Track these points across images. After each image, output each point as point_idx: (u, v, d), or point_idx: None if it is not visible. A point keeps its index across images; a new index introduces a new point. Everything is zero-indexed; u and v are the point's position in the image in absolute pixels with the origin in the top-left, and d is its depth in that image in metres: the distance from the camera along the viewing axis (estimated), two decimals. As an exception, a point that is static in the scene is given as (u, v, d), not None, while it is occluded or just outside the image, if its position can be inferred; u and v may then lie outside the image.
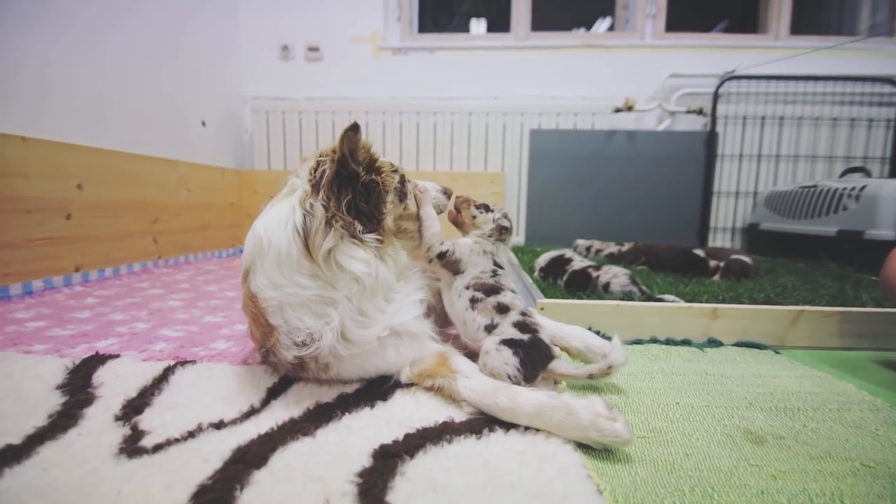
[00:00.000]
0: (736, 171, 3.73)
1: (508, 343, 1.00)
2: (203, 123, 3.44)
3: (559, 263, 1.96)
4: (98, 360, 1.25)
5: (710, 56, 3.70)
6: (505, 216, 1.29)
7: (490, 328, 1.06)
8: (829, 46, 3.57)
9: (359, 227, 0.96)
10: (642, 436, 0.91)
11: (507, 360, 0.97)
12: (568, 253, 2.04)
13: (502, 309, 1.08)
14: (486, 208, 1.32)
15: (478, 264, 1.17)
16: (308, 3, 3.84)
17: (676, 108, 3.70)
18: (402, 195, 1.12)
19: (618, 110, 3.63)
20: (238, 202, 3.83)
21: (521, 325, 1.05)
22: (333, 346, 0.95)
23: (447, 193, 1.32)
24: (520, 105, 3.77)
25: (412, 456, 0.79)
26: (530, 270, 2.20)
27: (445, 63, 3.88)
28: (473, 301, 1.10)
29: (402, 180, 1.12)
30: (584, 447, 0.84)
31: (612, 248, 2.83)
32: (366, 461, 0.77)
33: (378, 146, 3.85)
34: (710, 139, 3.53)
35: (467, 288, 1.12)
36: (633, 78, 3.75)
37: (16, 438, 0.87)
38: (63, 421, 0.96)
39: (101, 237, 2.43)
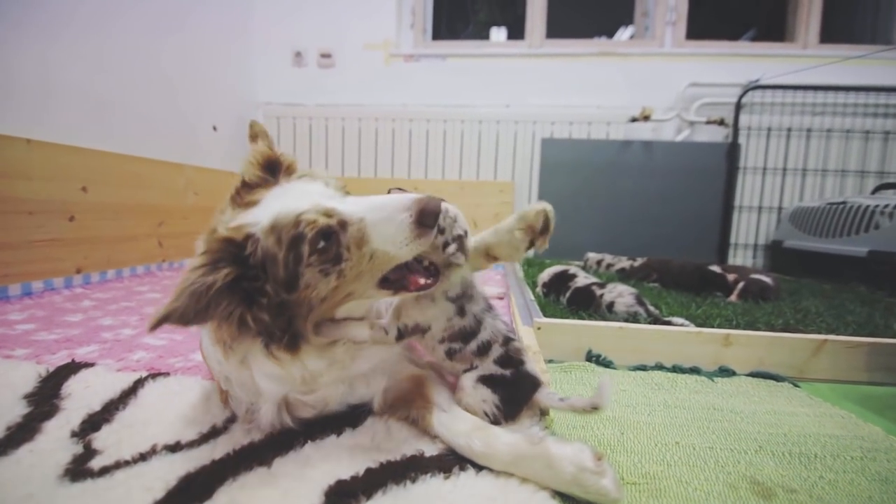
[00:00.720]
0: (759, 184, 3.55)
1: (487, 381, 0.89)
2: (214, 128, 3.47)
3: (562, 279, 1.86)
4: (71, 368, 1.22)
5: (732, 65, 3.55)
6: (456, 241, 0.86)
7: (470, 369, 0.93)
8: (861, 55, 3.38)
9: (263, 342, 0.76)
10: (632, 482, 0.82)
11: (486, 398, 0.87)
12: (572, 269, 1.94)
13: (483, 350, 0.92)
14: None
15: (439, 317, 0.90)
16: (322, 11, 3.86)
17: (696, 118, 3.56)
18: (334, 258, 0.75)
19: (634, 119, 3.51)
20: (247, 206, 3.84)
21: (504, 359, 0.91)
22: (276, 416, 0.86)
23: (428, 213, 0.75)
24: (532, 113, 3.69)
25: (369, 497, 0.72)
26: (533, 285, 2.10)
27: (457, 70, 3.83)
28: (451, 353, 0.92)
29: (328, 234, 0.73)
30: (562, 494, 0.75)
31: (624, 262, 2.72)
32: (316, 499, 0.70)
33: (387, 154, 3.82)
34: (732, 151, 3.38)
35: (441, 342, 0.92)
36: (650, 87, 3.63)
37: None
38: (20, 434, 0.91)
39: (104, 239, 2.44)
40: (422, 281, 0.83)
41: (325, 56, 3.90)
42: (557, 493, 0.74)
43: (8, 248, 1.97)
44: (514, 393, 0.89)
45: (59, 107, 2.26)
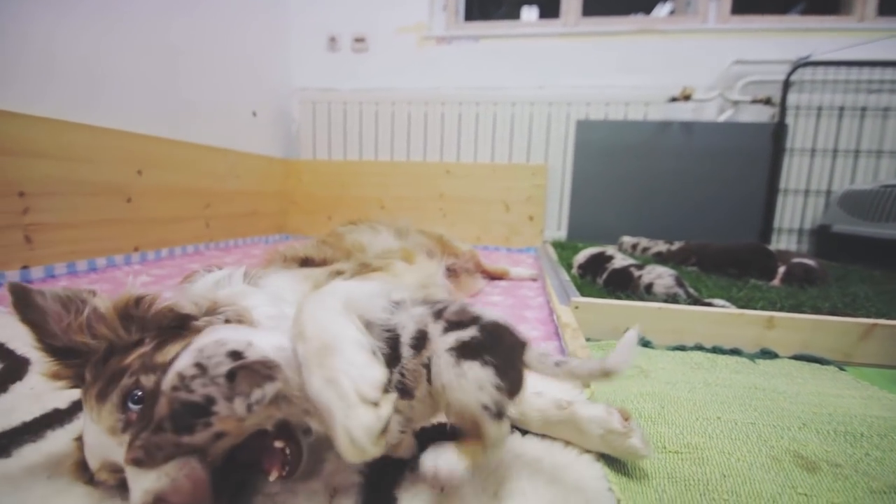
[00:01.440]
0: (807, 166, 3.39)
1: (462, 353, 0.59)
2: (254, 114, 3.58)
3: (599, 261, 1.87)
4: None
5: (780, 40, 3.37)
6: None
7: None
8: (925, 27, 3.15)
9: None
10: (674, 450, 0.84)
11: (480, 381, 0.57)
12: (609, 250, 1.94)
13: (419, 342, 0.63)
14: None
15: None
16: (356, -6, 3.88)
17: (740, 97, 3.41)
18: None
19: (674, 99, 3.40)
20: (284, 190, 3.97)
21: (451, 325, 0.63)
22: None
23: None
24: (567, 94, 3.62)
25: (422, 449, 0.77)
26: (568, 267, 2.11)
27: (490, 52, 3.79)
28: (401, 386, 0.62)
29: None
30: (607, 457, 0.78)
31: (661, 246, 2.68)
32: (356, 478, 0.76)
33: (419, 138, 3.85)
34: (778, 131, 3.24)
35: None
36: (692, 65, 3.50)
37: (63, 404, 0.94)
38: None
39: (158, 220, 2.59)
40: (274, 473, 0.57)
41: (359, 40, 3.93)
42: (602, 456, 0.78)
43: (76, 227, 2.13)
44: (502, 356, 0.60)
45: (116, 93, 2.39)
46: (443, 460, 0.58)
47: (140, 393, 0.59)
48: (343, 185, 3.91)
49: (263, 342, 0.55)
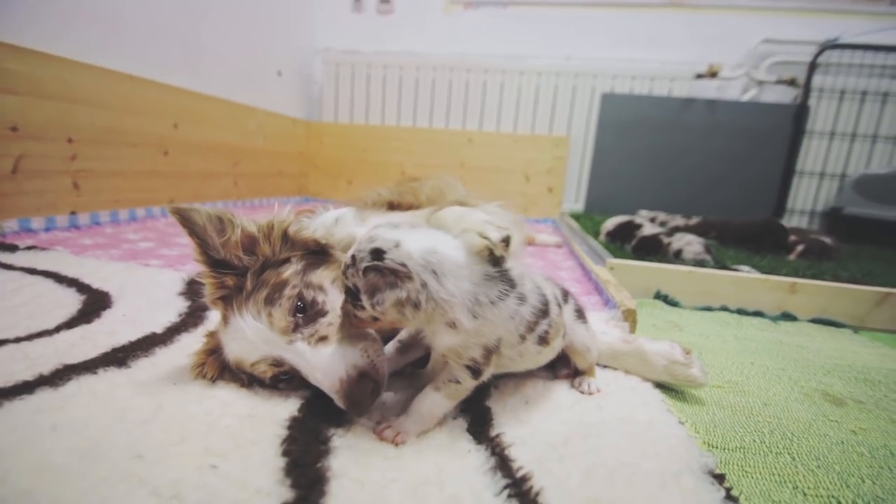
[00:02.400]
0: (824, 149, 3.44)
1: (579, 315, 0.83)
2: (279, 73, 3.57)
3: (628, 229, 1.95)
4: (209, 275, 1.42)
5: (811, 21, 3.36)
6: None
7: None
8: (957, 13, 3.15)
9: None
10: (717, 385, 0.95)
11: (586, 337, 0.82)
12: (638, 219, 2.02)
13: (558, 306, 0.75)
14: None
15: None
16: (382, -47, 3.80)
17: (766, 76, 3.43)
18: None
19: (700, 76, 3.41)
20: (306, 152, 4.00)
21: (565, 294, 0.83)
22: None
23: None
24: (592, 67, 3.62)
25: (502, 374, 0.87)
26: (595, 234, 2.20)
27: (517, 19, 3.75)
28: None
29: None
30: (662, 386, 0.89)
31: (679, 220, 2.76)
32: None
33: (443, 104, 3.86)
34: (800, 113, 3.27)
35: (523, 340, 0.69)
36: (720, 42, 3.49)
37: (159, 329, 1.04)
38: (190, 319, 1.11)
39: (192, 174, 2.64)
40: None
41: (385, 2, 3.88)
42: (658, 385, 0.88)
43: (119, 177, 2.19)
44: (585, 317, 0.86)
45: (156, 45, 2.40)
46: (589, 384, 0.83)
47: (301, 304, 0.71)
48: (364, 149, 3.93)
49: (412, 245, 0.60)
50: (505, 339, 0.65)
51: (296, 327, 0.70)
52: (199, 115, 2.66)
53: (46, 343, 0.92)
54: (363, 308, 0.62)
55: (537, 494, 0.54)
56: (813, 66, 3.25)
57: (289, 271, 0.75)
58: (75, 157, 1.97)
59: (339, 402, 0.65)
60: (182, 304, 1.21)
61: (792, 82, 3.37)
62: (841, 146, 3.43)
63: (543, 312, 0.69)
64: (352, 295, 0.63)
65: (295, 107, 3.86)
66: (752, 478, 0.65)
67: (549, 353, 0.75)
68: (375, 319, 0.63)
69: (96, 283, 1.32)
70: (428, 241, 0.62)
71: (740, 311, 1.51)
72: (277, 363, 0.71)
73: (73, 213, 1.99)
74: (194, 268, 1.54)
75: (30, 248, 1.58)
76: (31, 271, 1.38)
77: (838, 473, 0.67)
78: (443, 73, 3.80)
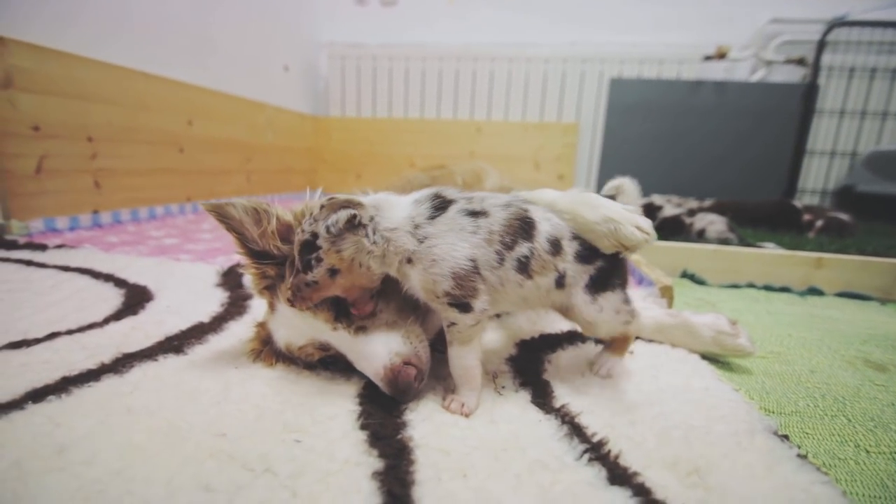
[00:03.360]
0: (834, 128, 3.44)
1: (597, 286, 0.70)
2: (286, 68, 3.56)
3: (649, 210, 1.96)
4: (241, 267, 1.43)
5: (818, -1, 3.35)
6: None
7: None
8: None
9: None
10: (761, 356, 0.97)
11: (616, 306, 0.71)
12: (658, 200, 2.03)
13: (555, 248, 0.68)
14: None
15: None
16: (384, -56, 3.77)
17: (774, 57, 3.41)
18: None
19: (708, 58, 3.39)
20: (314, 147, 3.99)
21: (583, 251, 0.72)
22: None
23: None
24: (600, 52, 3.61)
25: (553, 350, 0.89)
26: (613, 218, 2.20)
27: (523, 7, 3.73)
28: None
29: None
30: (708, 357, 0.90)
31: (692, 203, 2.76)
32: (513, 350, 0.88)
33: (450, 94, 3.85)
34: (809, 92, 3.26)
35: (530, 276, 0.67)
36: (727, 23, 3.47)
37: (205, 318, 1.05)
38: (233, 309, 1.13)
39: (207, 171, 2.65)
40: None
41: (388, -7, 3.86)
42: (705, 356, 0.90)
43: (137, 175, 2.20)
44: (620, 277, 0.72)
45: (169, 42, 2.39)
46: (602, 366, 0.79)
47: None
48: (372, 142, 3.93)
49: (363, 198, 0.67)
50: (480, 259, 0.63)
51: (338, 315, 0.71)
52: (212, 111, 2.66)
53: (99, 334, 0.94)
54: (317, 264, 0.63)
55: (617, 457, 0.55)
56: (822, 45, 3.24)
57: None
58: (95, 155, 1.98)
59: (385, 389, 0.66)
60: (222, 295, 1.23)
61: (801, 62, 3.35)
62: (851, 124, 3.42)
63: (523, 231, 0.66)
64: (306, 249, 0.64)
65: (302, 102, 3.85)
66: (813, 439, 0.67)
67: (535, 292, 0.67)
68: (331, 276, 0.64)
69: (132, 277, 1.34)
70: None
71: (767, 288, 1.52)
72: (324, 347, 0.73)
73: (95, 211, 2.00)
74: (225, 260, 1.56)
75: (59, 246, 1.60)
76: (65, 269, 1.40)
77: (896, 432, 0.69)
78: (449, 63, 3.79)
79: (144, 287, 1.26)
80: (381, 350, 0.67)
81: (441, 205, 0.67)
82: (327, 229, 0.62)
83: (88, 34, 1.95)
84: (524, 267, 0.65)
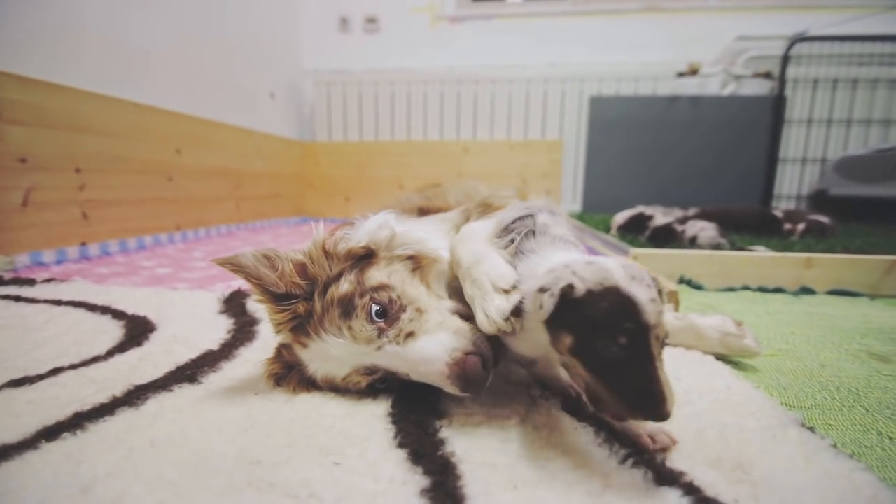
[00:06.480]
0: (804, 136, 3.62)
1: None
2: (272, 95, 3.58)
3: (640, 220, 2.01)
4: (243, 294, 1.41)
5: (779, 17, 3.56)
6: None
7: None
8: (909, 3, 3.38)
9: None
10: (770, 354, 0.99)
11: None
12: (648, 210, 2.08)
13: None
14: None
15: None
16: (365, -26, 3.89)
17: (743, 71, 3.60)
18: None
19: (681, 75, 3.56)
20: (301, 172, 3.99)
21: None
22: None
23: None
24: (580, 72, 3.75)
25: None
26: (606, 229, 2.25)
27: (503, 31, 3.87)
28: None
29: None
30: (723, 358, 0.92)
31: (677, 213, 2.84)
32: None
33: (436, 117, 3.92)
34: (778, 104, 3.43)
35: None
36: (696, 41, 3.66)
37: (214, 346, 1.03)
38: (242, 335, 1.10)
39: (196, 199, 2.62)
40: None
41: (371, 21, 3.95)
42: (719, 357, 0.92)
43: (126, 205, 2.16)
44: None
45: (157, 72, 2.39)
46: None
47: (379, 308, 0.71)
48: (360, 165, 3.95)
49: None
50: None
51: (381, 333, 0.70)
52: (200, 139, 2.65)
53: (105, 367, 0.91)
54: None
55: (664, 459, 0.56)
56: (786, 59, 3.43)
57: (346, 283, 0.75)
58: (83, 186, 1.94)
59: (453, 388, 0.64)
60: (227, 322, 1.20)
61: (767, 75, 3.54)
62: (819, 132, 3.60)
63: None
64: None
65: (289, 128, 3.87)
66: (837, 430, 0.69)
67: None
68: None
69: (130, 308, 1.30)
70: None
71: (762, 289, 1.57)
72: (370, 371, 0.71)
73: (83, 243, 1.95)
74: (225, 287, 1.53)
75: (48, 280, 1.54)
76: (57, 302, 1.35)
77: (914, 419, 0.71)
78: (434, 86, 3.87)
79: (145, 317, 1.23)
80: (437, 350, 0.66)
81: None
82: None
83: (76, 65, 1.93)
84: None
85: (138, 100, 2.21)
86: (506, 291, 0.64)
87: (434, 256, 0.84)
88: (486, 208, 1.07)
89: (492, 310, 0.63)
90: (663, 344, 0.53)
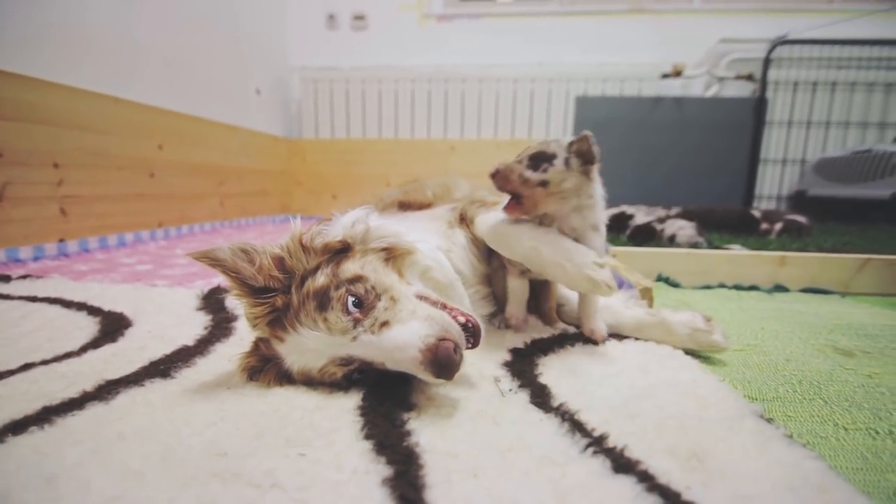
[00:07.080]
0: (784, 138, 3.68)
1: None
2: (258, 91, 3.55)
3: (621, 219, 2.04)
4: (222, 290, 1.40)
5: (761, 20, 3.62)
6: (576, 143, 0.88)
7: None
8: (885, 9, 3.46)
9: None
10: (738, 349, 1.01)
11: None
12: (629, 209, 2.11)
13: None
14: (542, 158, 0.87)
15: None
16: (353, -29, 3.87)
17: (725, 73, 3.65)
18: None
19: (666, 76, 3.60)
20: (288, 170, 3.97)
21: None
22: None
23: None
24: (565, 72, 3.77)
25: (545, 354, 0.91)
26: (588, 228, 2.28)
27: (490, 30, 3.88)
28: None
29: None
30: (692, 352, 0.94)
31: (660, 212, 2.88)
32: (507, 356, 0.90)
33: (423, 115, 3.92)
34: (759, 106, 3.49)
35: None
36: (681, 43, 3.70)
37: (190, 342, 1.02)
38: (218, 331, 1.10)
39: (179, 196, 2.59)
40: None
41: (359, 18, 3.93)
42: (688, 351, 0.94)
43: (106, 201, 2.13)
44: None
45: (138, 66, 2.36)
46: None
47: (354, 298, 0.72)
48: (347, 163, 3.94)
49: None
50: None
51: (356, 323, 0.71)
52: (183, 135, 2.62)
53: (77, 363, 0.90)
54: (540, 170, 0.84)
55: (623, 449, 0.57)
56: (767, 62, 3.49)
57: (322, 276, 0.76)
58: (62, 182, 1.91)
59: (426, 374, 0.65)
60: (205, 318, 1.19)
61: (749, 77, 3.60)
62: (799, 133, 3.67)
63: None
64: (539, 159, 0.85)
65: (274, 124, 3.84)
66: (796, 421, 0.71)
67: None
68: (543, 185, 0.85)
69: (107, 305, 1.29)
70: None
71: (737, 287, 1.60)
72: (346, 362, 0.72)
73: (61, 240, 1.92)
74: (204, 284, 1.52)
75: (24, 277, 1.52)
76: (33, 299, 1.33)
77: (869, 410, 0.74)
78: (421, 84, 3.87)
79: (121, 314, 1.22)
80: (410, 337, 0.67)
81: None
82: (551, 171, 0.84)
83: (54, 58, 1.90)
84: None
85: (119, 94, 2.18)
86: (600, 266, 0.87)
87: (408, 248, 0.85)
88: (482, 203, 1.10)
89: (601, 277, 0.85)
90: None
